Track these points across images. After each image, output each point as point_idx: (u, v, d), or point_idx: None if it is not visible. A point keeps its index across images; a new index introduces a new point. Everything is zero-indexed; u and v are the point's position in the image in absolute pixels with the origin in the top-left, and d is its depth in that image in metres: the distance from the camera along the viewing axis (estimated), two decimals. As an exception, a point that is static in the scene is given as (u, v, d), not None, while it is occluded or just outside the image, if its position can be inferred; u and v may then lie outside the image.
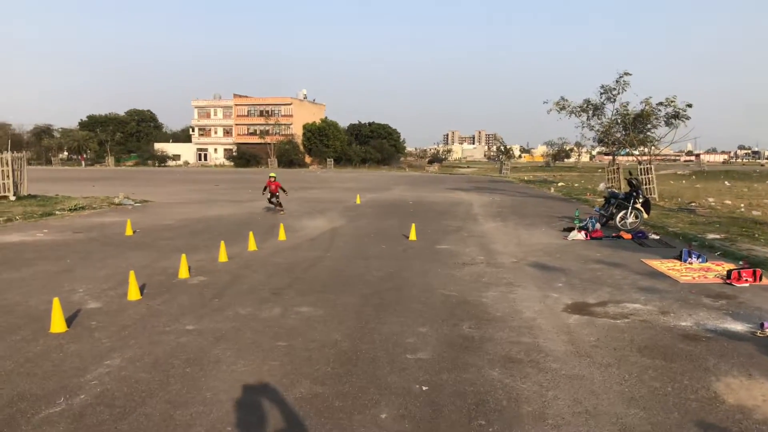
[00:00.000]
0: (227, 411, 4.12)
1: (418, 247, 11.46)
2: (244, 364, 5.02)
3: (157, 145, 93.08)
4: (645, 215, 14.64)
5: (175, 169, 74.19)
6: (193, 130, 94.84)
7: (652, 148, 30.40)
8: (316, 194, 27.40)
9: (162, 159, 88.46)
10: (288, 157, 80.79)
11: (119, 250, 10.98)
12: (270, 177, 18.75)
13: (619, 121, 30.43)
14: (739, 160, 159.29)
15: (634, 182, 15.22)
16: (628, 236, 12.99)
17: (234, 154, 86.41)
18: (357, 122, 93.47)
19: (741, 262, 9.41)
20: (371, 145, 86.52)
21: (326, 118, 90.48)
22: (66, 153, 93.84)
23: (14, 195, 21.18)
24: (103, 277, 8.51)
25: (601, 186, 32.07)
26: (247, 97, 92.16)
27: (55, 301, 5.98)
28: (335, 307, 6.91)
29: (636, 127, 29.39)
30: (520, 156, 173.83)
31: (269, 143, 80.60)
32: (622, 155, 37.81)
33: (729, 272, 8.36)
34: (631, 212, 14.32)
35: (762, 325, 5.99)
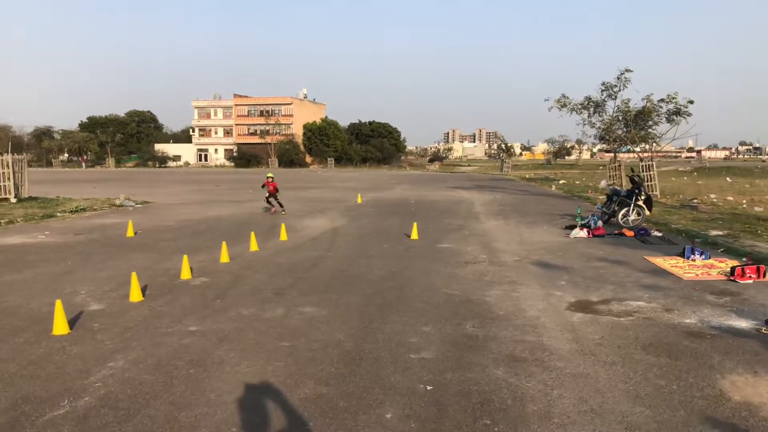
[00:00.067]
0: (232, 412, 4.11)
1: (420, 246, 11.44)
2: (248, 365, 5.01)
3: (158, 146, 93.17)
4: (647, 212, 14.62)
5: (175, 170, 74.24)
6: (193, 131, 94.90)
7: (654, 144, 30.37)
8: (317, 194, 27.39)
9: (162, 160, 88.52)
10: (288, 156, 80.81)
11: (121, 251, 10.97)
12: (267, 177, 18.51)
13: (620, 118, 30.38)
14: (741, 157, 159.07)
15: (636, 179, 15.19)
16: (631, 233, 12.96)
17: (234, 154, 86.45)
18: (357, 121, 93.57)
19: (744, 259, 9.40)
20: (372, 144, 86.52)
21: (326, 117, 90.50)
22: (66, 155, 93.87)
23: (15, 197, 21.18)
24: (105, 279, 8.50)
25: (603, 183, 32.02)
26: (247, 97, 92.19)
27: (58, 303, 5.97)
28: (338, 306, 6.90)
29: (637, 124, 29.34)
30: (520, 154, 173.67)
31: (270, 143, 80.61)
32: (623, 152, 37.77)
33: (733, 269, 8.33)
34: (633, 209, 14.29)
35: (767, 321, 5.98)
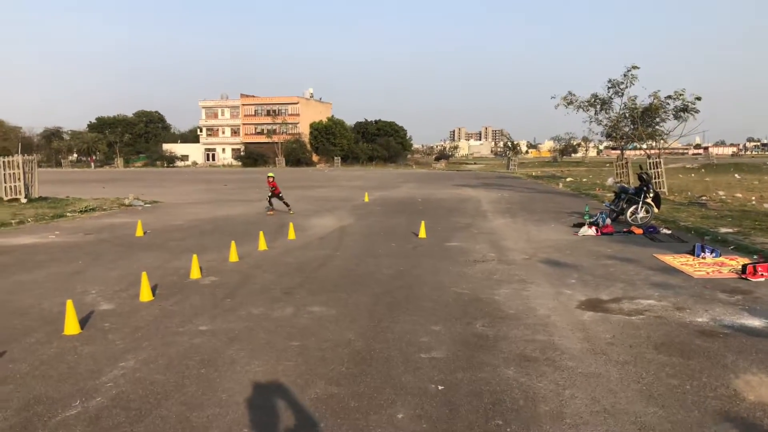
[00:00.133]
0: (243, 412, 4.11)
1: (428, 245, 11.43)
2: (259, 365, 5.02)
3: (166, 146, 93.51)
4: (656, 210, 14.53)
5: (183, 170, 74.54)
6: (200, 131, 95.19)
7: (661, 141, 30.21)
8: (324, 193, 27.41)
9: (170, 159, 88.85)
10: (295, 156, 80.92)
11: (130, 251, 11.02)
12: (268, 177, 18.09)
13: (627, 115, 30.26)
14: (749, 153, 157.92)
15: (644, 176, 15.09)
16: (640, 231, 12.89)
17: (242, 153, 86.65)
18: (363, 120, 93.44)
19: (756, 257, 9.32)
20: (378, 142, 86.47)
21: (333, 116, 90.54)
22: (75, 155, 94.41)
23: (25, 197, 21.33)
24: (115, 279, 8.54)
25: (610, 181, 31.87)
26: (253, 96, 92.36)
27: (69, 303, 6.00)
28: (347, 306, 6.90)
29: (644, 120, 29.21)
30: (527, 151, 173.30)
31: (276, 142, 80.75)
32: (630, 149, 37.61)
33: (744, 267, 8.27)
34: (641, 207, 14.20)
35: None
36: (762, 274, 8.06)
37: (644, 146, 30.73)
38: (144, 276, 7.45)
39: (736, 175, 37.19)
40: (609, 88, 29.93)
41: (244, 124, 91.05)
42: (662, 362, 4.94)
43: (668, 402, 4.17)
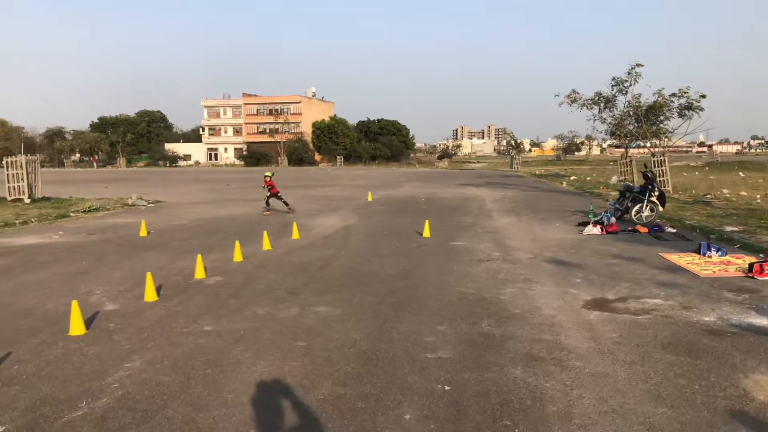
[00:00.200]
0: (249, 413, 4.10)
1: (432, 244, 11.40)
2: (264, 365, 5.00)
3: (168, 146, 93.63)
4: (660, 208, 14.47)
5: (186, 169, 74.61)
6: (203, 130, 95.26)
7: (665, 139, 30.10)
8: (327, 192, 27.40)
9: (173, 159, 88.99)
10: (298, 155, 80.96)
11: (134, 251, 11.02)
12: (265, 176, 17.76)
13: (631, 113, 30.14)
14: (753, 151, 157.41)
15: (649, 175, 15.02)
16: (645, 230, 12.84)
17: (244, 153, 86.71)
18: (366, 119, 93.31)
19: (762, 255, 9.27)
20: (380, 141, 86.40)
21: (335, 115, 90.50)
22: (78, 155, 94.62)
23: (29, 197, 21.36)
24: (120, 279, 8.53)
25: (614, 179, 31.78)
26: (256, 96, 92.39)
27: (74, 304, 5.99)
28: (352, 306, 6.88)
29: (649, 119, 29.10)
30: (530, 150, 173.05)
31: (279, 142, 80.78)
32: (634, 148, 37.50)
33: (751, 265, 8.22)
34: (646, 205, 14.14)
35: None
36: (769, 273, 8.01)
37: (648, 144, 30.61)
38: (148, 276, 7.44)
39: (740, 173, 37.07)
40: (613, 86, 29.80)
41: (246, 123, 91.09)
42: (670, 362, 4.91)
43: (677, 402, 4.14)
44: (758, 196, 20.40)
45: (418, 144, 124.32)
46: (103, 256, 10.51)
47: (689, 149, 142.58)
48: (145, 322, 6.30)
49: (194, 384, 4.62)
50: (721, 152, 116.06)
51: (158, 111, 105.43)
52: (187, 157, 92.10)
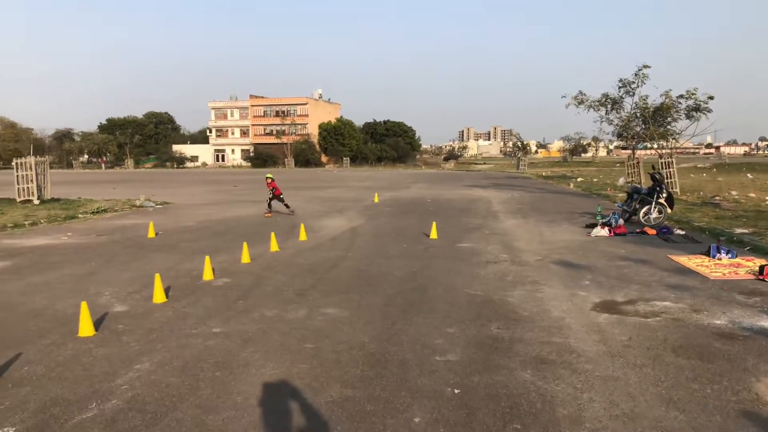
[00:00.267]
0: (259, 416, 4.10)
1: (440, 246, 11.38)
2: (273, 367, 5.00)
3: (175, 147, 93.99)
4: (669, 210, 14.39)
5: (193, 171, 74.88)
6: (210, 132, 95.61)
7: (673, 141, 29.94)
8: (333, 193, 27.42)
9: (180, 160, 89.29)
10: (304, 156, 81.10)
11: (142, 252, 11.06)
12: (267, 178, 17.68)
13: (638, 114, 30.01)
14: (761, 152, 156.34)
15: (657, 176, 14.94)
16: (653, 232, 12.77)
17: (251, 154, 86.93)
18: (372, 121, 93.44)
19: (772, 258, 9.19)
20: (387, 143, 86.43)
21: (341, 117, 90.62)
22: (86, 156, 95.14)
23: (38, 199, 21.49)
24: (128, 280, 8.56)
25: (621, 181, 31.65)
26: (263, 97, 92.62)
27: (83, 305, 6.01)
28: (360, 307, 6.87)
29: (656, 120, 28.97)
30: (536, 151, 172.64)
31: (286, 143, 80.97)
32: (641, 149, 37.34)
33: (761, 268, 8.16)
34: (654, 207, 14.07)
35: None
36: (780, 276, 7.95)
37: (655, 146, 30.46)
38: (157, 277, 7.46)
39: (748, 175, 36.84)
40: (620, 87, 29.68)
41: (253, 125, 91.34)
42: (681, 365, 4.88)
43: (689, 406, 4.10)
44: (767, 198, 20.25)
45: (424, 145, 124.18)
46: (111, 257, 10.55)
47: (696, 151, 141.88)
48: (154, 324, 6.32)
49: (203, 386, 4.62)
50: (729, 153, 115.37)
51: (166, 112, 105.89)
52: (194, 159, 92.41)
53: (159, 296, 7.28)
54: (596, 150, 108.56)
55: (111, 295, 7.68)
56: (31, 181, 21.49)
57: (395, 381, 4.64)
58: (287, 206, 17.56)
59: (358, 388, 4.52)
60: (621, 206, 15.58)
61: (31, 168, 21.47)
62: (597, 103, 31.20)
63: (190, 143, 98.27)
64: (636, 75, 28.30)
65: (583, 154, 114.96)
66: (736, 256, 9.58)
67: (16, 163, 21.65)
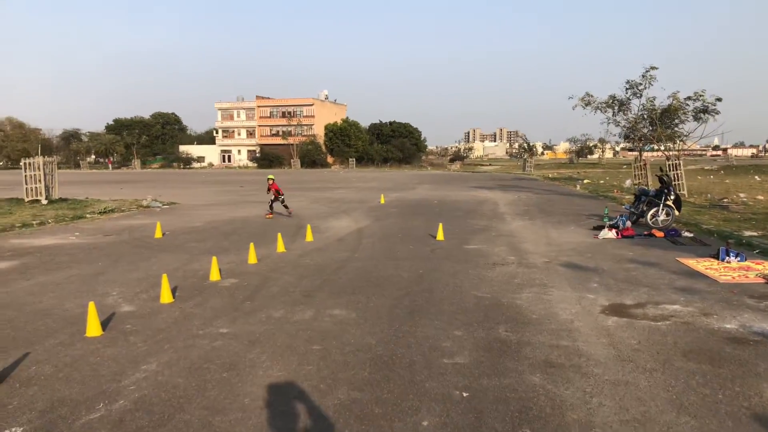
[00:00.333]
0: (266, 417, 4.08)
1: (447, 248, 11.34)
2: (280, 369, 4.98)
3: (182, 148, 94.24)
4: (677, 212, 14.31)
5: (199, 171, 75.09)
6: (216, 132, 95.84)
7: (680, 143, 29.81)
8: (340, 194, 27.42)
9: (187, 161, 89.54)
10: (310, 157, 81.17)
11: (150, 252, 11.07)
12: (269, 179, 17.58)
13: (645, 116, 29.91)
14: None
15: (665, 179, 14.87)
16: (661, 234, 12.69)
17: (257, 155, 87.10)
18: (378, 122, 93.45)
19: (783, 261, 9.11)
20: (392, 144, 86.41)
21: (347, 118, 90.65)
22: (94, 156, 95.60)
23: (46, 198, 21.58)
24: (135, 280, 8.57)
25: (628, 183, 31.52)
26: (269, 98, 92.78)
27: (91, 305, 6.02)
28: (367, 309, 6.85)
29: (663, 122, 28.85)
30: (542, 153, 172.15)
31: (292, 144, 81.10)
32: (647, 151, 37.18)
33: (771, 271, 8.08)
34: (662, 209, 14.01)
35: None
36: (790, 279, 7.87)
37: (662, 148, 30.34)
38: (164, 278, 7.47)
39: (756, 177, 36.61)
40: (627, 89, 29.61)
41: (259, 125, 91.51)
42: (692, 370, 4.83)
43: (700, 412, 4.06)
44: (777, 201, 20.10)
45: (430, 146, 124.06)
46: (119, 257, 10.57)
47: (703, 153, 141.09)
48: (161, 324, 6.32)
49: (210, 387, 4.61)
50: (736, 156, 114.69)
51: (173, 113, 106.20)
52: (200, 159, 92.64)
53: (166, 296, 7.29)
54: (602, 152, 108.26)
55: (118, 295, 7.69)
56: (39, 181, 21.59)
57: (403, 383, 4.61)
58: (286, 207, 17.48)
59: (365, 390, 4.50)
60: (628, 208, 15.50)
61: (39, 168, 21.57)
62: (604, 105, 31.14)
63: (197, 144, 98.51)
64: (643, 77, 28.25)
65: (589, 156, 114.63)
66: (746, 259, 9.50)
67: (25, 163, 21.76)
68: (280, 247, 11.09)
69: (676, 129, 29.06)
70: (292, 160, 80.00)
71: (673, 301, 7.10)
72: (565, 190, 30.82)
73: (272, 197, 17.34)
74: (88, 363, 5.16)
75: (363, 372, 4.87)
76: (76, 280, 8.61)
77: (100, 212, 18.49)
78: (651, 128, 29.87)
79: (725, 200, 20.57)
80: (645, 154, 35.64)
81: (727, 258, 9.46)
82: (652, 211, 14.06)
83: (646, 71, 28.08)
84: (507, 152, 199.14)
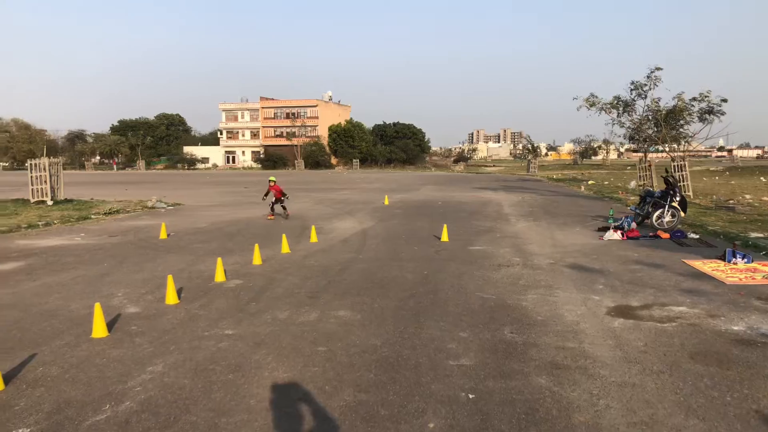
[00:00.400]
0: (272, 419, 4.07)
1: (451, 249, 11.33)
2: (285, 370, 4.98)
3: (186, 149, 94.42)
4: (682, 214, 14.26)
5: (204, 172, 75.22)
6: (221, 133, 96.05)
7: (685, 144, 29.69)
8: (344, 195, 27.42)
9: (191, 162, 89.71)
10: (314, 158, 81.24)
11: (155, 253, 11.09)
12: (270, 181, 17.54)
13: (650, 117, 29.80)
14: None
15: (670, 180, 14.82)
16: (666, 236, 12.65)
17: (261, 156, 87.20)
18: (382, 123, 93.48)
19: (790, 263, 9.06)
20: (396, 145, 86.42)
21: (351, 119, 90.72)
22: (98, 157, 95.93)
23: (52, 199, 21.65)
24: (141, 281, 8.59)
25: (632, 184, 31.43)
26: (273, 99, 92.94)
27: (97, 307, 6.03)
28: (372, 311, 6.84)
29: (668, 123, 28.73)
30: (546, 154, 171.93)
31: (296, 145, 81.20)
32: (652, 152, 37.06)
33: (779, 273, 8.04)
34: (668, 211, 13.96)
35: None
36: (798, 281, 7.83)
37: (667, 149, 30.23)
38: (169, 279, 7.48)
39: (761, 178, 36.44)
40: (632, 90, 29.49)
41: (263, 126, 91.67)
42: (699, 372, 4.80)
43: (709, 414, 4.03)
44: (783, 202, 20.01)
45: (434, 147, 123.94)
46: (124, 258, 10.60)
47: (708, 154, 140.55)
48: (167, 325, 6.32)
49: (216, 388, 4.61)
50: (741, 157, 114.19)
51: (177, 114, 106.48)
52: (205, 160, 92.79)
53: (171, 298, 7.30)
54: (607, 153, 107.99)
55: (124, 296, 7.71)
56: (45, 182, 21.66)
57: (409, 385, 4.60)
58: (284, 208, 17.36)
59: (371, 392, 4.49)
60: (634, 209, 15.45)
61: (44, 169, 21.64)
62: (608, 106, 31.02)
63: (201, 145, 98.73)
64: (648, 77, 28.10)
65: (593, 157, 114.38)
66: (753, 261, 9.46)
67: (31, 164, 21.84)
68: (285, 248, 11.09)
69: (681, 130, 28.94)
70: (296, 161, 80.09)
71: (679, 302, 7.07)
72: (569, 191, 30.75)
73: (273, 199, 17.30)
74: (94, 364, 5.17)
75: (368, 373, 4.86)
76: (82, 281, 8.63)
77: (105, 213, 18.54)
78: (656, 129, 29.75)
79: (731, 201, 20.48)
80: (650, 155, 35.55)
81: (734, 259, 9.42)
82: (657, 213, 14.01)
83: (651, 72, 27.97)
84: (511, 153, 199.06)
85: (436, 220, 16.00)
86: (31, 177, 21.65)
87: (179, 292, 7.71)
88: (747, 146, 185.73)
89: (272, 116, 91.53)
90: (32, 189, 21.67)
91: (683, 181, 23.34)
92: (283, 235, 11.67)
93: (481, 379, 4.71)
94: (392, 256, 10.53)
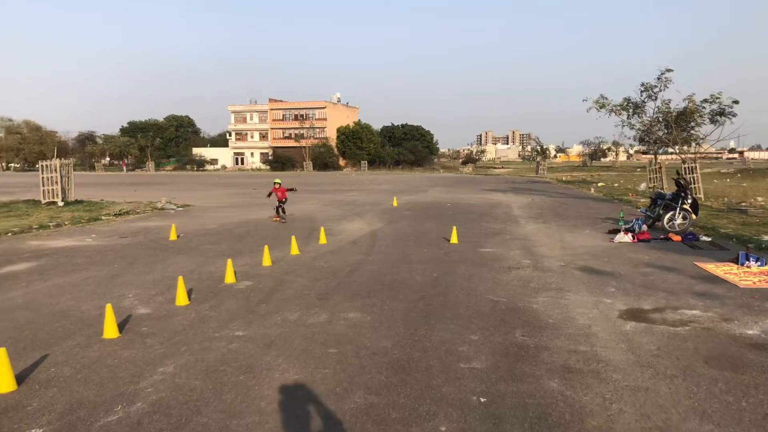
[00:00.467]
0: (283, 421, 4.07)
1: (461, 251, 11.29)
2: (296, 372, 4.97)
3: (195, 150, 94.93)
4: (694, 216, 14.14)
5: (213, 173, 75.55)
6: (230, 135, 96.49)
7: (696, 146, 29.49)
8: (352, 197, 27.43)
9: (200, 163, 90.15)
10: (323, 159, 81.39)
11: (165, 254, 11.14)
12: (275, 183, 17.39)
13: (661, 119, 29.60)
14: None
15: (682, 182, 14.69)
16: (678, 238, 12.55)
17: (270, 157, 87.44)
18: (390, 124, 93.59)
19: (804, 266, 8.96)
20: (404, 146, 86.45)
21: (360, 120, 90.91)
22: (108, 158, 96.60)
23: (62, 200, 21.81)
24: (151, 282, 8.62)
25: (643, 186, 31.23)
26: (282, 101, 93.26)
27: (108, 308, 6.06)
28: (382, 312, 6.83)
29: (679, 125, 28.54)
30: (555, 156, 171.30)
31: (304, 146, 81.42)
32: (662, 154, 36.83)
33: (793, 277, 7.95)
34: (679, 213, 13.83)
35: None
36: (812, 285, 7.73)
37: (678, 151, 30.03)
38: (180, 280, 7.50)
39: (774, 181, 36.09)
40: (642, 91, 29.33)
41: (272, 128, 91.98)
42: (713, 377, 4.75)
43: (724, 420, 3.98)
44: (796, 205, 19.81)
45: (442, 149, 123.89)
46: (134, 259, 10.65)
47: (719, 156, 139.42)
48: (177, 327, 6.34)
49: (227, 390, 4.61)
50: (753, 159, 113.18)
51: (186, 116, 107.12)
52: (213, 162, 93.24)
53: (182, 299, 7.32)
54: (616, 155, 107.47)
55: (134, 297, 7.74)
56: (56, 183, 21.83)
57: (420, 388, 4.58)
58: (284, 211, 17.12)
59: (382, 394, 4.47)
60: (644, 212, 15.35)
61: (55, 170, 21.81)
62: (618, 108, 30.85)
63: (210, 146, 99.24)
64: (659, 79, 27.93)
65: (602, 159, 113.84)
66: (766, 264, 9.36)
67: (42, 166, 22.02)
68: (294, 249, 11.10)
69: (692, 132, 28.74)
70: (304, 163, 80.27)
71: (692, 306, 7.00)
72: (579, 193, 30.61)
73: (277, 201, 17.16)
74: (106, 365, 5.19)
75: (379, 376, 4.85)
76: (93, 282, 8.68)
77: (115, 214, 18.66)
78: (666, 131, 29.57)
79: (743, 204, 20.30)
80: (660, 157, 35.33)
81: (747, 263, 9.33)
82: (668, 215, 13.90)
83: (662, 73, 27.81)
84: (519, 155, 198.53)
85: (445, 222, 15.97)
86: (42, 178, 21.82)
87: (189, 293, 7.73)
88: (759, 148, 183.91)
89: (281, 118, 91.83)
90: (43, 190, 21.84)
91: (694, 184, 23.17)
92: (293, 237, 11.68)
93: (493, 382, 4.69)
94: (402, 258, 10.52)
